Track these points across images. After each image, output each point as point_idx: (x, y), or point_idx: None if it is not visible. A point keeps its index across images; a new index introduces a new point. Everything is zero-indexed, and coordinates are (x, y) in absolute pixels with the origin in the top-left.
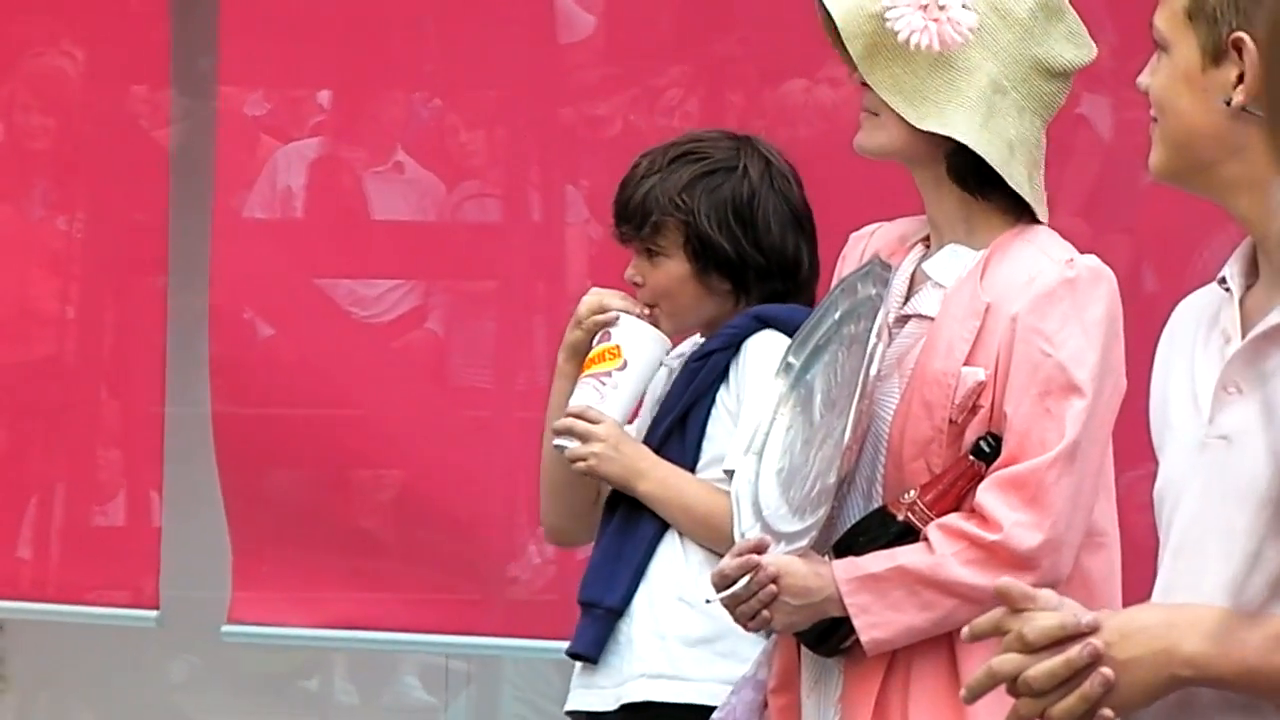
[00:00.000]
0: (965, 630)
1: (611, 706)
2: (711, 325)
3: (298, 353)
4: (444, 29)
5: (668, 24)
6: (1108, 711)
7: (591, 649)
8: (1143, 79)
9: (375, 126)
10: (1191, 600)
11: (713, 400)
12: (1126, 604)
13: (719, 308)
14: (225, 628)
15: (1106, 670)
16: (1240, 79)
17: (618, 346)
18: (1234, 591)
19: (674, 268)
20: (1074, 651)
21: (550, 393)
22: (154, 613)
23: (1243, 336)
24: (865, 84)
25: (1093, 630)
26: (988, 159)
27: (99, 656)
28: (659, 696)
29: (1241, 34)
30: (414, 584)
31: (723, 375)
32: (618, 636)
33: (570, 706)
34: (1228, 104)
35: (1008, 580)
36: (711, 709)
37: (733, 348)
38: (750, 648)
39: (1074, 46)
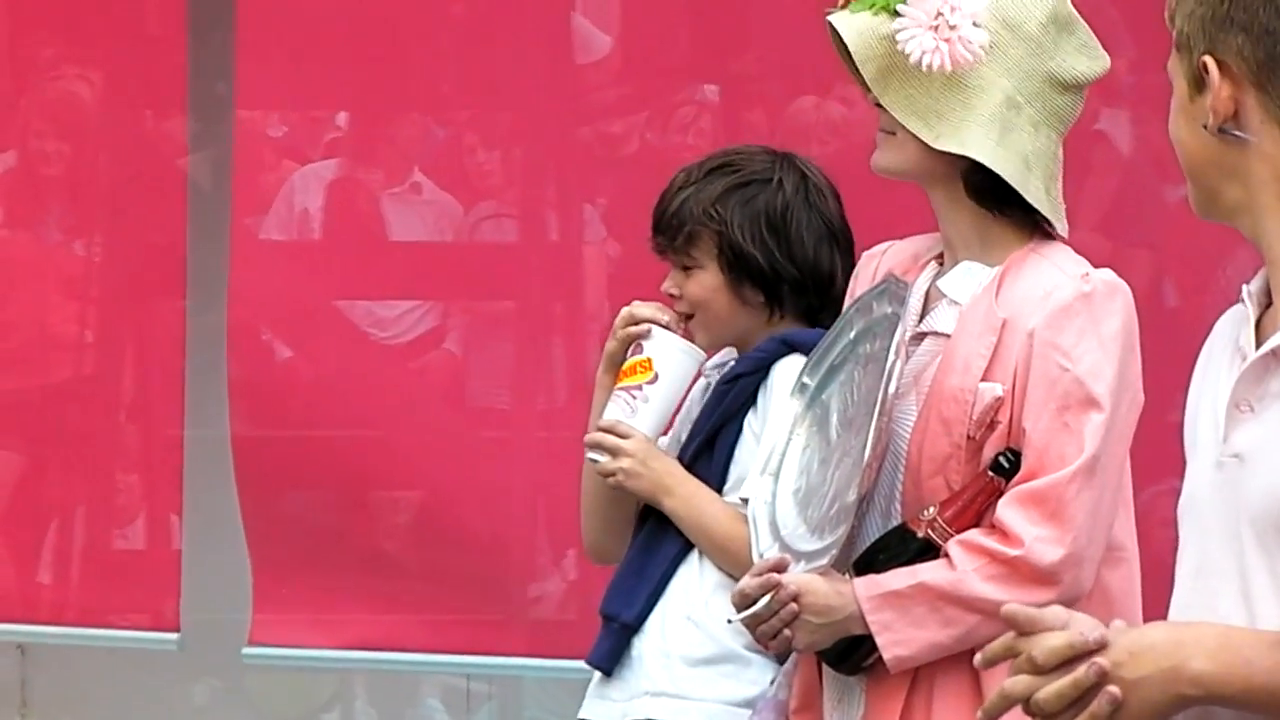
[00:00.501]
0: (978, 657)
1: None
2: (745, 338)
3: (316, 374)
4: (460, 49)
5: (683, 43)
6: None
7: (605, 661)
8: None
9: (392, 148)
10: (1207, 618)
11: (740, 424)
12: (1147, 618)
13: (752, 320)
14: (246, 650)
15: (1113, 689)
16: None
17: (649, 359)
18: (1247, 610)
19: (707, 279)
20: (1081, 671)
21: (591, 406)
22: (175, 635)
23: None
24: (879, 105)
25: (1100, 647)
26: (1004, 176)
27: (120, 680)
28: (661, 715)
29: (1205, 57)
30: (434, 605)
31: (751, 399)
32: (630, 651)
33: (583, 714)
34: (1205, 128)
35: (1013, 606)
36: None
37: (760, 372)
38: (753, 670)
39: (1086, 59)
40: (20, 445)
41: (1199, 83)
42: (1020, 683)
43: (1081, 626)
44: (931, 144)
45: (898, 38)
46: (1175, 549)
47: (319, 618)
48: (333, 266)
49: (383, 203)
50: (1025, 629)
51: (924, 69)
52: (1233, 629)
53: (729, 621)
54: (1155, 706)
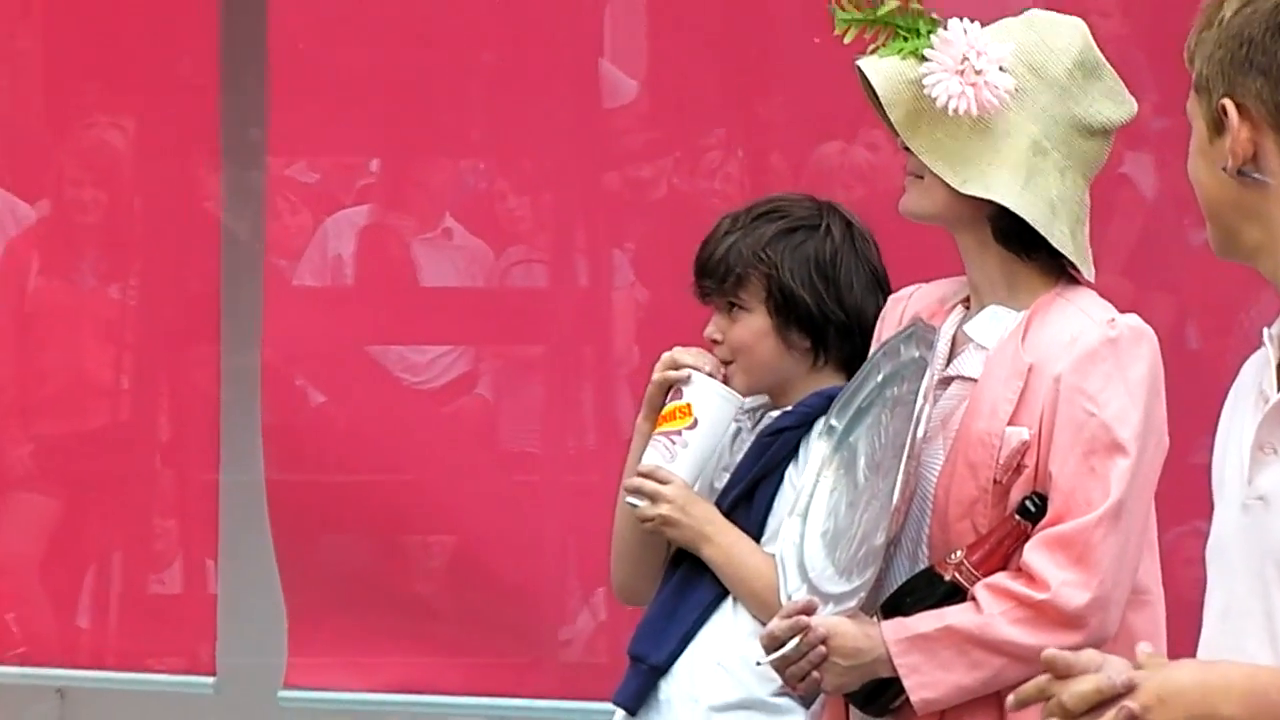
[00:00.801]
0: (1011, 698)
1: None
2: (785, 385)
3: (349, 419)
4: (490, 96)
5: (710, 88)
6: None
7: (631, 701)
8: None
9: (423, 193)
10: (1235, 658)
11: (781, 475)
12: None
13: (795, 366)
14: (282, 693)
15: None
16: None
17: (689, 405)
18: (1273, 650)
19: (755, 322)
20: (1110, 716)
21: (628, 451)
22: (211, 679)
23: None
24: (908, 149)
25: (1129, 690)
26: (1030, 220)
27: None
28: None
29: (1225, 100)
30: (467, 647)
31: (793, 453)
32: (657, 694)
33: None
34: (1225, 170)
35: (1052, 651)
36: None
37: (804, 426)
38: (780, 717)
39: (1113, 104)
40: (58, 490)
41: (1218, 125)
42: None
43: (1111, 670)
44: (958, 188)
45: (925, 82)
46: (1200, 589)
47: (353, 661)
48: (365, 312)
49: (414, 248)
50: (1062, 673)
51: (950, 113)
52: (1260, 670)
53: (758, 664)
54: None
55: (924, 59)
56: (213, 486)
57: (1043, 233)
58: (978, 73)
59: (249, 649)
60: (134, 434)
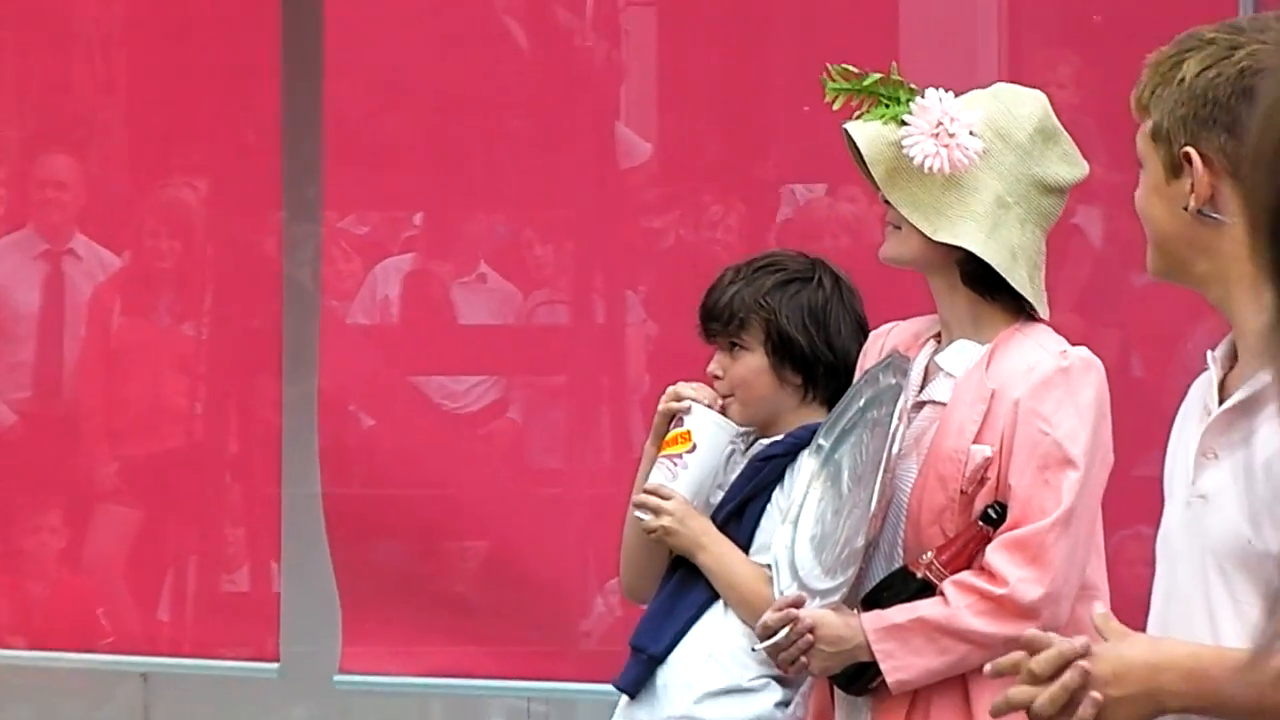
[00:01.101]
0: (988, 667)
1: None
2: (776, 417)
3: (396, 440)
4: (519, 157)
5: (713, 150)
6: None
7: (631, 686)
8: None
9: (461, 243)
10: (1183, 636)
11: (769, 497)
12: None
13: (787, 401)
14: (337, 677)
15: (1095, 694)
16: (1193, 188)
17: (689, 432)
18: (1211, 630)
19: (754, 361)
20: (1068, 676)
21: (634, 471)
22: (275, 665)
23: None
24: (888, 202)
25: (1085, 651)
26: (994, 265)
27: (228, 704)
28: None
29: (1189, 149)
30: (499, 637)
31: (779, 477)
32: (654, 680)
33: None
34: (1185, 209)
35: (1033, 632)
36: None
37: (790, 455)
38: (760, 698)
39: (1068, 166)
40: (141, 503)
41: (1177, 169)
42: (1023, 691)
43: (1075, 642)
44: (931, 236)
45: (904, 143)
46: (1141, 586)
47: (400, 649)
48: (409, 346)
49: (453, 291)
50: (1036, 649)
51: (926, 171)
52: (1203, 650)
53: (754, 649)
54: (1138, 718)
55: (903, 123)
56: (275, 499)
57: (1005, 276)
58: (950, 136)
59: (308, 639)
60: (206, 453)
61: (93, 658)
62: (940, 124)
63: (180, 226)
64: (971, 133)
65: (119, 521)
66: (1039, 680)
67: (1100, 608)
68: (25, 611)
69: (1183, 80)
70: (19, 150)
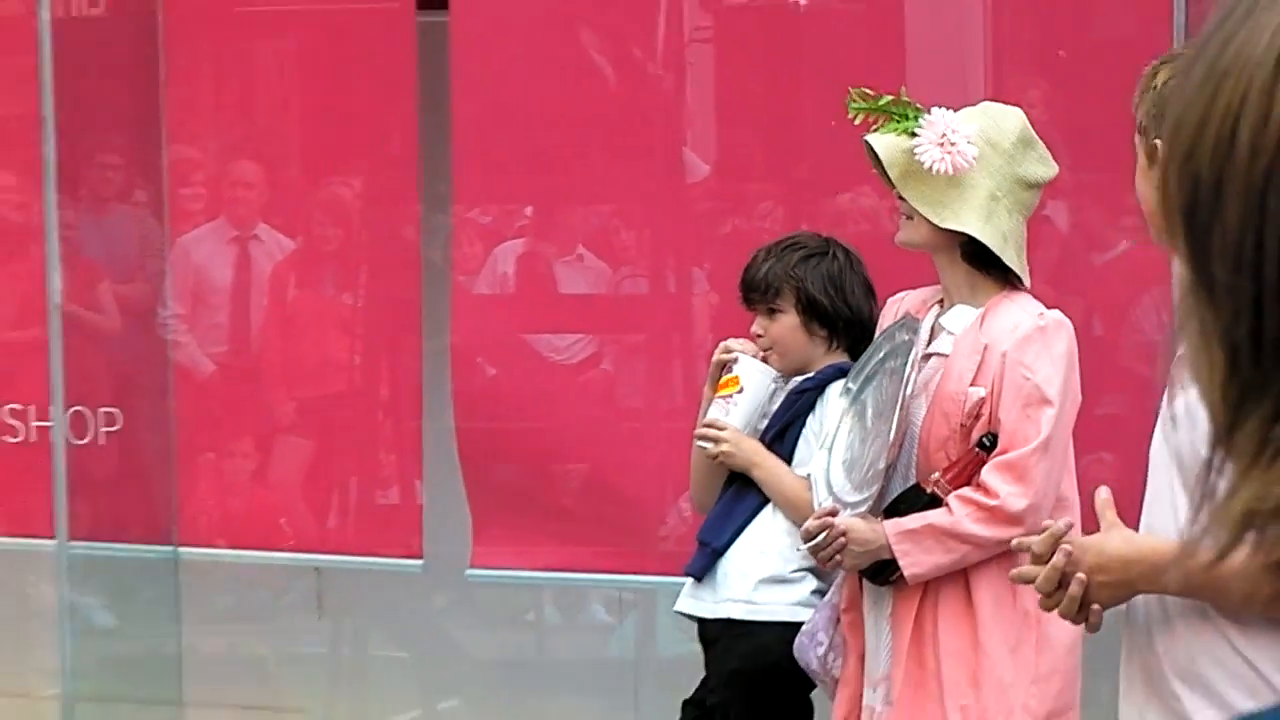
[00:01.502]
0: (1015, 541)
1: (708, 615)
2: (808, 364)
3: (512, 385)
4: (609, 164)
5: (759, 156)
6: (1096, 606)
7: (698, 572)
8: None
9: (563, 230)
10: (1160, 527)
11: (804, 423)
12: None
13: (815, 349)
14: (469, 572)
15: (1080, 575)
16: None
17: (737, 377)
18: (1176, 528)
19: (788, 320)
20: (1057, 558)
21: (698, 410)
22: (419, 562)
23: None
24: (901, 197)
25: (1068, 528)
26: (990, 246)
27: (384, 592)
28: (738, 615)
29: (1157, 140)
30: (596, 540)
31: (811, 407)
32: (715, 569)
33: (678, 608)
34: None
35: (1054, 527)
36: (773, 625)
37: (819, 389)
38: (802, 586)
39: (1044, 167)
40: (313, 435)
41: (1152, 158)
42: (1028, 570)
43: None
44: (939, 224)
45: (915, 151)
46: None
47: (518, 549)
48: (522, 311)
49: (556, 267)
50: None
51: (933, 172)
52: (1163, 545)
53: (798, 549)
54: (1116, 598)
55: (914, 135)
56: (418, 431)
57: (998, 254)
58: (953, 144)
59: (445, 541)
60: (362, 396)
61: (277, 555)
62: (944, 135)
63: (340, 217)
64: (969, 141)
65: (296, 449)
66: (1040, 560)
67: (1104, 492)
68: (225, 519)
69: (1155, 87)
70: (216, 158)
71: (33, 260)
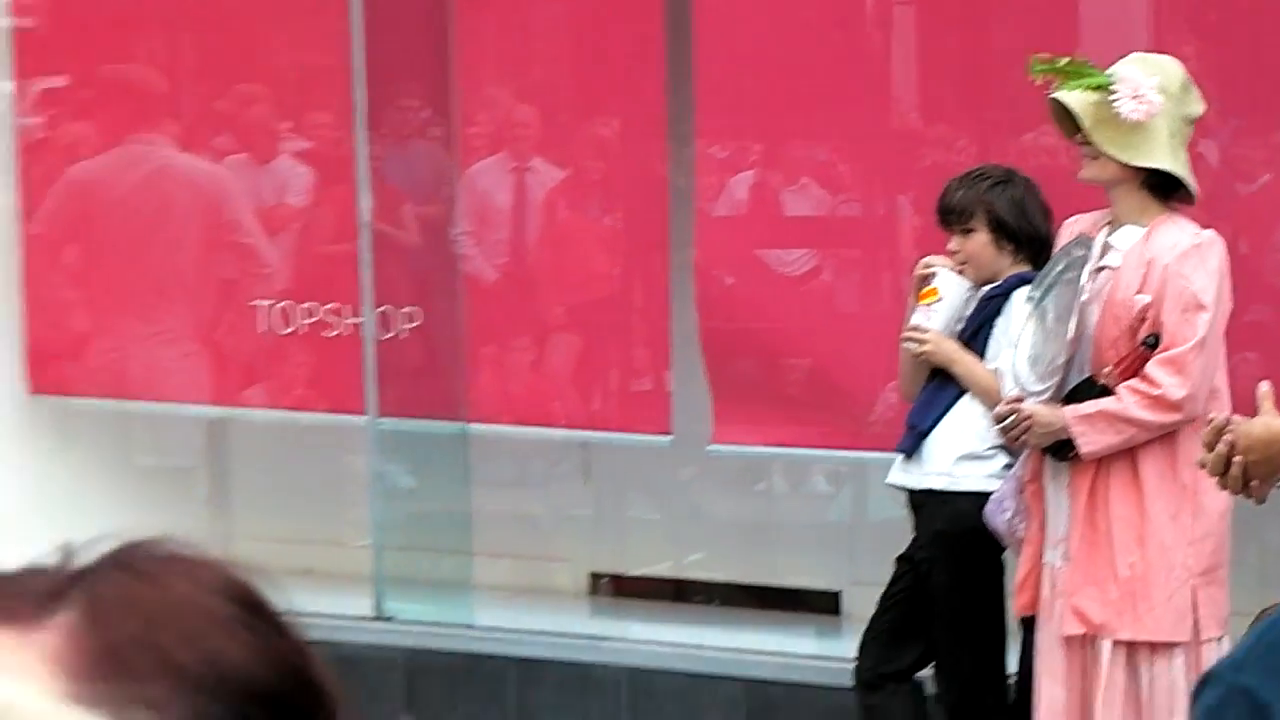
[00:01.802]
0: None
1: (915, 486)
2: (996, 274)
3: (747, 292)
4: (828, 105)
5: (954, 103)
6: (1254, 481)
7: (907, 450)
8: None
9: (790, 161)
10: None
11: (993, 325)
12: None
13: (1003, 262)
14: (710, 447)
15: (1238, 458)
16: None
17: (936, 288)
18: None
19: (980, 238)
20: (1220, 446)
21: (903, 316)
22: (668, 438)
23: None
24: (1086, 142)
25: (1226, 421)
26: (1179, 176)
27: (639, 464)
28: (940, 486)
29: None
30: (817, 423)
31: (999, 312)
32: (921, 447)
33: (889, 480)
34: None
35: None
36: (970, 494)
37: (1007, 295)
38: (994, 462)
39: (1199, 105)
40: (579, 332)
41: None
42: (1204, 456)
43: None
44: (1129, 161)
45: (1114, 103)
46: (1249, 389)
47: (753, 428)
48: (755, 230)
49: (783, 194)
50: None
51: (1126, 120)
52: None
53: (990, 430)
54: (1266, 476)
55: (1110, 90)
56: (667, 330)
57: (1185, 182)
58: (1142, 95)
59: (690, 420)
60: (620, 301)
61: (550, 431)
62: (1136, 88)
63: (600, 151)
64: (1155, 91)
65: (565, 344)
66: (1209, 447)
67: (1264, 386)
68: (506, 400)
69: None
70: (498, 102)
71: (347, 186)
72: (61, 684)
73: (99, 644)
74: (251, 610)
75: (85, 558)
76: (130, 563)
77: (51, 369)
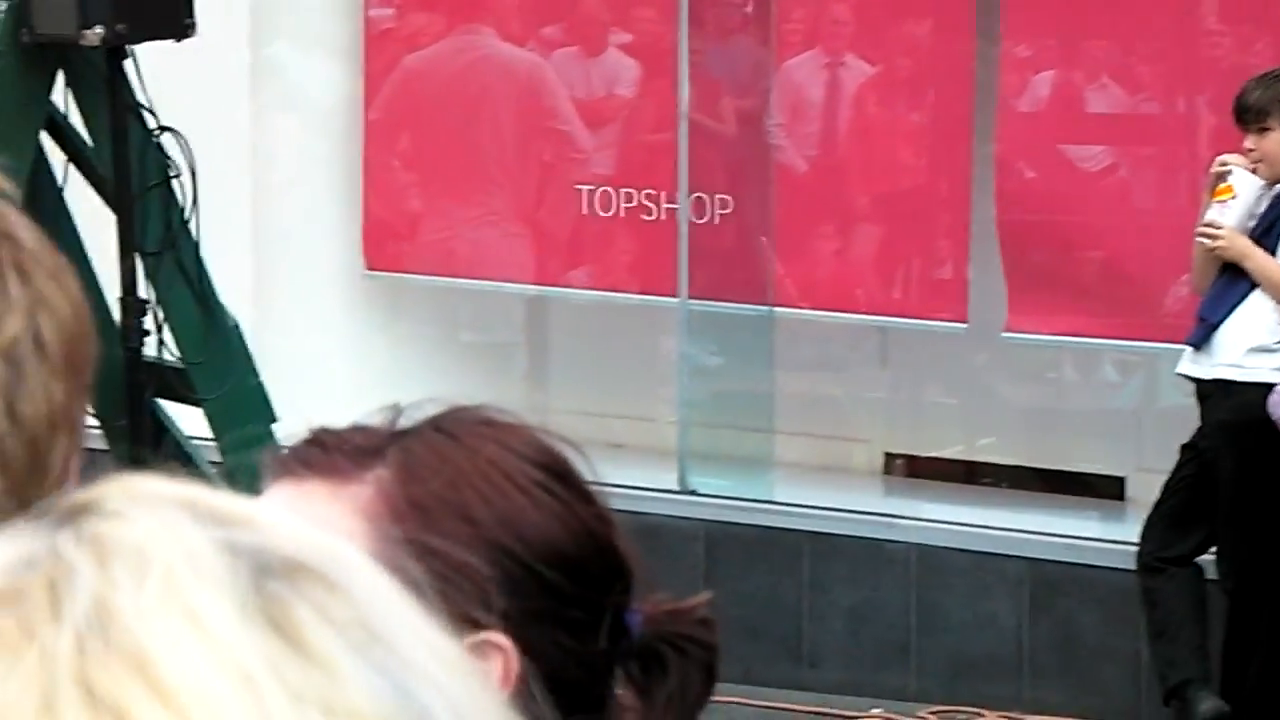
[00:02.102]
0: None
1: (1205, 376)
2: None
3: (1046, 186)
4: (1130, 10)
5: (1252, 9)
6: None
7: (1197, 341)
8: None
9: (1092, 62)
10: None
11: None
12: None
13: None
14: (1004, 334)
15: None
16: None
17: (1231, 186)
18: None
19: (1275, 137)
20: None
21: (1198, 212)
22: (964, 325)
23: None
24: None
25: None
26: None
27: (934, 349)
28: (1228, 376)
29: None
30: (1110, 312)
31: None
32: (1211, 339)
33: (1179, 370)
34: None
35: None
36: (1258, 385)
37: None
38: (1277, 354)
39: None
40: (882, 221)
41: None
42: None
43: None
44: None
45: None
46: None
47: (1046, 318)
48: (1058, 127)
49: (1085, 92)
50: None
51: None
52: None
53: (1278, 323)
54: None
55: None
56: (966, 220)
57: None
58: None
59: (986, 308)
60: (923, 191)
61: (851, 316)
62: None
63: (911, 48)
64: None
65: (868, 233)
66: None
67: None
68: (811, 286)
69: None
70: (816, 2)
71: (667, 79)
72: (369, 534)
73: (407, 498)
74: (558, 477)
75: (408, 419)
76: (446, 425)
77: (387, 248)
